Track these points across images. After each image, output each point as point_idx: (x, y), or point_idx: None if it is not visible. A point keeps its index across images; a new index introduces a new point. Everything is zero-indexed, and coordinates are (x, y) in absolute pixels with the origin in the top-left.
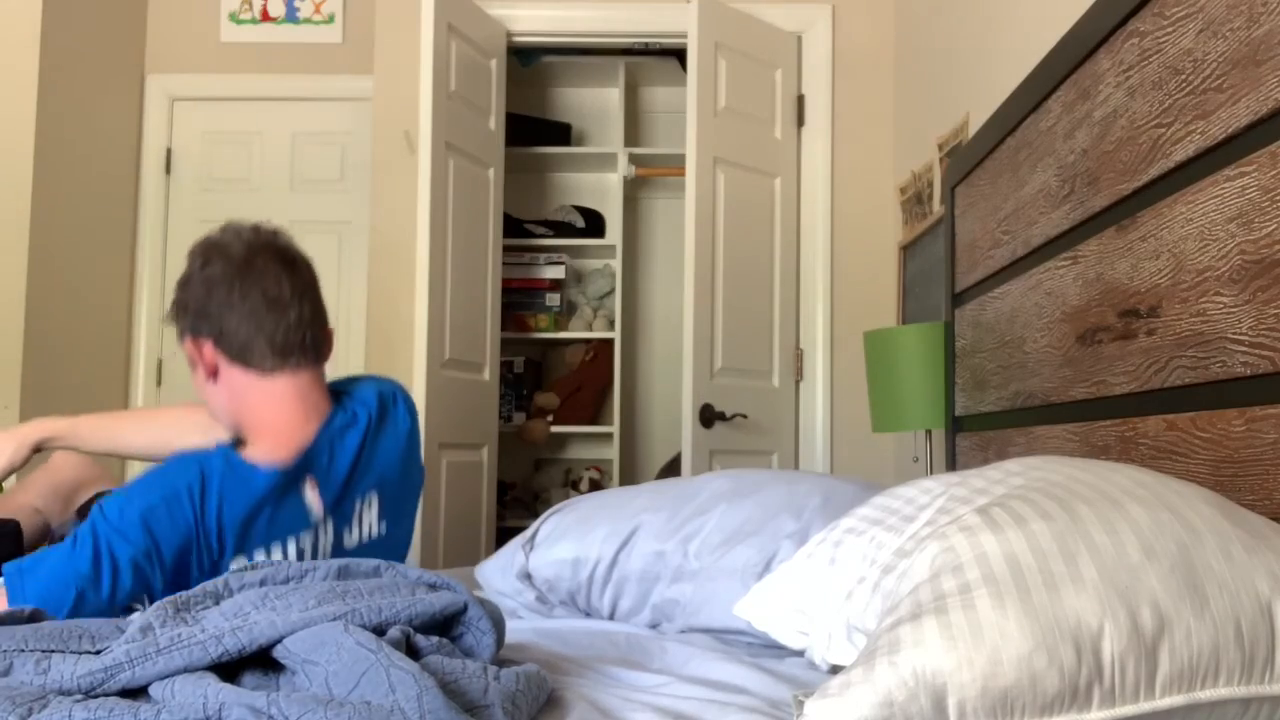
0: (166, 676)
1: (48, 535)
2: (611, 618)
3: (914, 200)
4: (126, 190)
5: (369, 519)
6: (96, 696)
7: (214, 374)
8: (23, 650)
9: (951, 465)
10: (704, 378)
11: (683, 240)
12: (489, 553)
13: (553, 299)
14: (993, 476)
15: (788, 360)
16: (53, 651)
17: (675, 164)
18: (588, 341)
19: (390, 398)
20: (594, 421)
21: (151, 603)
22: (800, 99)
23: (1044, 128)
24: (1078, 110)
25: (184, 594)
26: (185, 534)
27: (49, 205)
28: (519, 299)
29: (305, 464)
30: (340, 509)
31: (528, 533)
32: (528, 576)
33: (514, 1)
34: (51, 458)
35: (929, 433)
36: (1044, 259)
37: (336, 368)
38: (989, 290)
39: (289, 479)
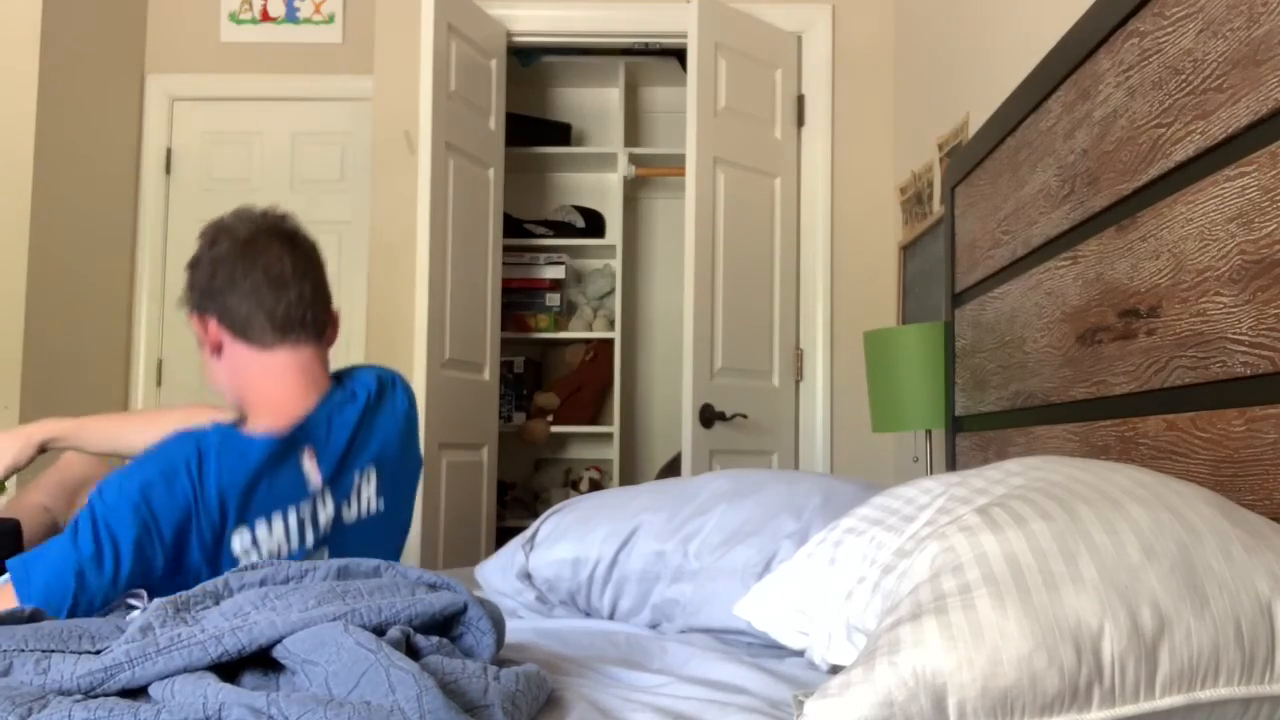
0: (166, 676)
1: (54, 533)
2: (611, 618)
3: (914, 200)
4: (126, 190)
5: (367, 493)
6: (96, 696)
7: (218, 350)
8: (22, 650)
9: (951, 465)
10: (704, 378)
11: (683, 240)
12: (489, 553)
13: (553, 299)
14: (993, 476)
15: (788, 360)
16: (52, 651)
17: (675, 164)
18: (588, 341)
19: (389, 381)
20: (594, 421)
21: (152, 583)
22: (800, 99)
23: (1044, 128)
24: (1078, 110)
25: (184, 594)
26: (184, 508)
27: (49, 205)
28: (519, 299)
29: (303, 433)
30: (339, 482)
31: (528, 533)
32: (528, 576)
33: (514, 1)
34: (63, 456)
35: (929, 433)
36: (1044, 259)
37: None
38: (989, 290)
39: (285, 447)
